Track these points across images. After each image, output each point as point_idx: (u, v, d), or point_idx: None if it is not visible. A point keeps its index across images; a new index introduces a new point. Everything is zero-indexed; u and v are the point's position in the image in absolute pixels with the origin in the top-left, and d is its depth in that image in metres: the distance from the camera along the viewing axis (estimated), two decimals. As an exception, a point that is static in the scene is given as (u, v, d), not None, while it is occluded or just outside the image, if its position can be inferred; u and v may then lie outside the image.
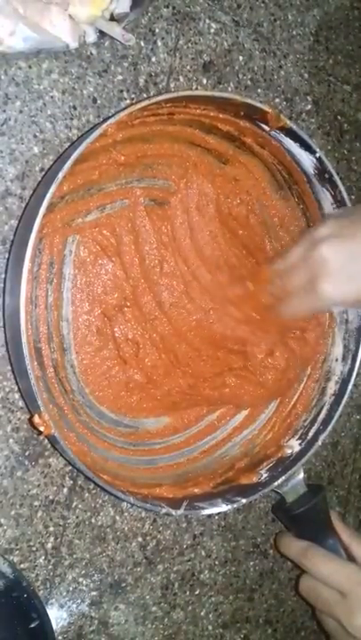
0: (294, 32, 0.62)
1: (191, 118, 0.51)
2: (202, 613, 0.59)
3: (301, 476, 0.56)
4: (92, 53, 0.51)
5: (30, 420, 0.46)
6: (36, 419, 0.43)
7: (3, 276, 0.48)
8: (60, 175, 0.42)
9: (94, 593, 0.53)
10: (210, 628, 0.60)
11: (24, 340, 0.42)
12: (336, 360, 0.57)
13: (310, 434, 0.56)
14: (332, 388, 0.57)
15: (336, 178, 0.54)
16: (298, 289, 0.52)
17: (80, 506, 0.52)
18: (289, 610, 0.65)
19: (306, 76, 0.63)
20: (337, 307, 0.56)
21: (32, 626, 0.47)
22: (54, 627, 0.50)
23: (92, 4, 0.45)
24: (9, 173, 0.48)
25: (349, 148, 0.67)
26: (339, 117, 0.66)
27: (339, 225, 0.51)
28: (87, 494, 0.52)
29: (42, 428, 0.43)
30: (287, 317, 0.55)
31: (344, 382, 0.56)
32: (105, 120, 0.45)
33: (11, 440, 0.49)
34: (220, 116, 0.51)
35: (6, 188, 0.48)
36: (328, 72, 0.65)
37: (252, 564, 0.62)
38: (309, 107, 0.64)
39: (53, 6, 0.45)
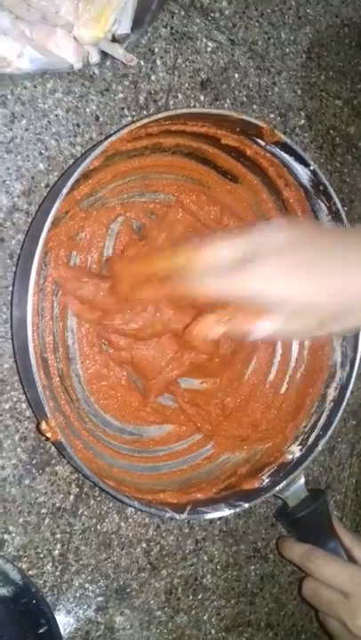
0: (287, 50, 0.64)
1: (194, 133, 0.52)
2: (205, 617, 0.60)
3: (302, 480, 0.57)
4: (94, 73, 0.52)
5: (37, 427, 0.48)
6: (43, 425, 0.45)
7: (10, 288, 0.49)
8: (65, 191, 0.43)
9: (100, 598, 0.54)
10: (213, 631, 0.61)
11: (31, 349, 0.43)
12: (335, 367, 0.59)
13: (310, 439, 0.57)
14: (331, 394, 0.58)
15: (330, 190, 0.56)
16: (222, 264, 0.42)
17: (86, 513, 0.53)
18: (290, 613, 0.66)
19: (299, 91, 0.65)
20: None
21: (41, 631, 0.48)
22: (62, 632, 0.51)
23: (95, 27, 0.47)
24: (16, 189, 0.49)
25: (341, 161, 0.69)
26: (331, 131, 0.68)
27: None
28: (93, 501, 0.54)
29: (49, 435, 0.44)
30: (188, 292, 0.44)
31: (343, 388, 0.57)
32: (107, 137, 0.46)
33: (19, 449, 0.50)
34: (219, 132, 0.53)
35: (13, 204, 0.49)
36: (320, 88, 0.67)
37: (253, 568, 0.63)
38: (303, 121, 0.66)
39: (59, 29, 0.46)
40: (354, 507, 0.72)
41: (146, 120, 0.47)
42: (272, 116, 0.63)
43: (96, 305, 0.50)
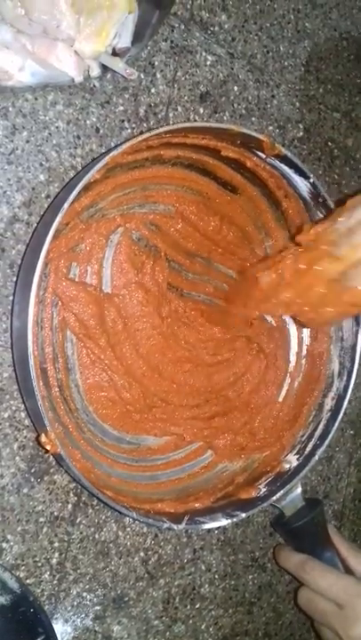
0: (286, 63, 0.65)
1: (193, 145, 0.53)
2: (202, 627, 0.60)
3: (299, 490, 0.57)
4: (94, 85, 0.53)
5: (37, 439, 0.48)
6: (43, 438, 0.45)
7: (11, 298, 0.49)
8: (66, 205, 0.44)
9: (98, 607, 0.54)
10: (210, 641, 0.61)
11: (31, 362, 0.43)
12: (333, 376, 0.59)
13: (308, 449, 0.58)
14: (328, 403, 0.58)
15: (330, 201, 0.56)
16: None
17: (84, 522, 0.54)
18: (287, 622, 0.66)
19: (297, 104, 0.66)
20: None
21: (38, 640, 0.48)
22: (59, 641, 0.52)
23: (96, 41, 0.48)
24: (16, 200, 0.50)
25: (340, 173, 0.70)
26: (329, 144, 0.69)
27: None
28: (91, 510, 0.54)
29: (48, 447, 0.45)
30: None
31: (340, 398, 0.58)
32: (108, 151, 0.47)
33: (17, 458, 0.50)
34: (219, 144, 0.53)
35: (14, 215, 0.50)
36: (318, 100, 0.68)
37: (250, 577, 0.63)
38: (301, 134, 0.66)
39: (60, 42, 0.47)
40: (352, 516, 0.72)
41: (147, 134, 0.47)
42: (271, 128, 0.64)
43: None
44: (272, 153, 0.54)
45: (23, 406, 0.50)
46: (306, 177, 0.55)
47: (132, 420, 0.55)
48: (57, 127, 0.51)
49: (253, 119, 0.63)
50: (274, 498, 0.56)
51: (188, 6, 0.58)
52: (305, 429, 0.59)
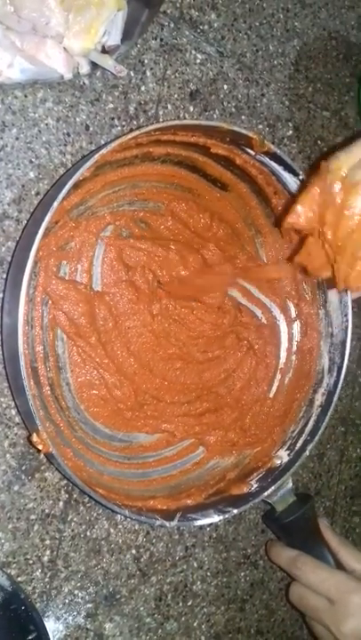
0: (275, 62, 0.65)
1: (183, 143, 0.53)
2: (195, 624, 0.60)
3: (290, 485, 0.57)
4: (84, 83, 0.53)
5: (28, 439, 0.48)
6: (34, 437, 0.45)
7: (0, 295, 0.49)
8: (56, 203, 0.44)
9: (90, 605, 0.54)
10: (203, 638, 0.61)
11: (22, 361, 0.43)
12: (323, 372, 0.59)
13: (298, 444, 0.58)
14: (318, 399, 0.59)
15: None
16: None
17: (75, 519, 0.53)
18: (280, 619, 0.66)
19: (287, 103, 0.66)
20: None
21: (30, 638, 0.48)
22: (51, 639, 0.51)
23: (85, 38, 0.48)
24: (6, 197, 0.50)
25: (330, 171, 0.70)
26: (319, 142, 0.69)
27: None
28: (82, 508, 0.54)
29: (40, 447, 0.44)
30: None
31: (330, 394, 0.58)
32: (98, 149, 0.47)
33: (8, 455, 0.50)
34: (209, 141, 0.53)
35: (4, 212, 0.50)
36: (308, 99, 0.68)
37: (242, 574, 0.64)
38: (291, 132, 0.67)
39: (49, 39, 0.47)
40: (343, 513, 0.72)
41: (137, 132, 0.47)
42: (260, 126, 0.64)
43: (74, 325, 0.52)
44: (261, 150, 0.54)
45: (13, 403, 0.50)
46: (295, 174, 0.55)
47: (124, 417, 0.55)
48: (47, 124, 0.51)
49: (243, 117, 0.63)
50: (265, 493, 0.56)
51: (178, 4, 0.58)
52: (296, 425, 0.59)
